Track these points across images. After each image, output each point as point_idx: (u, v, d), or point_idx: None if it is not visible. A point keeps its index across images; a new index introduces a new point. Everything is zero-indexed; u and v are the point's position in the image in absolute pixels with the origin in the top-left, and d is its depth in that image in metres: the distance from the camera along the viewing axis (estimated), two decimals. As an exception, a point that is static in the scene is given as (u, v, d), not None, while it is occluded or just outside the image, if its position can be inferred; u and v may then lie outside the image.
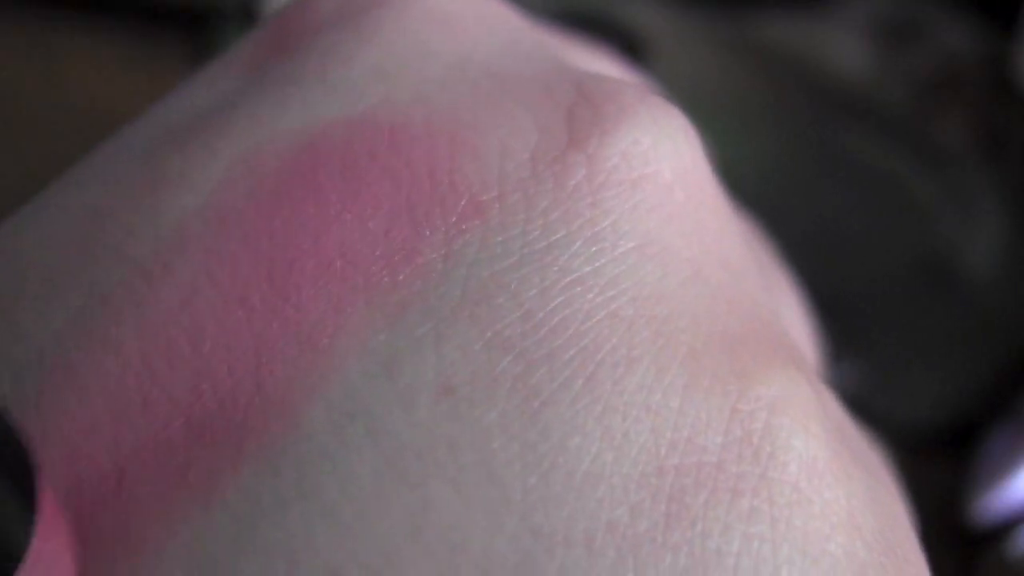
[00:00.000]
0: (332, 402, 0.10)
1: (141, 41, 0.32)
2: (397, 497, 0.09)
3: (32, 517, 0.09)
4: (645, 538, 0.09)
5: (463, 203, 0.11)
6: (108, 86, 0.31)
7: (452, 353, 0.10)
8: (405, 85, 0.12)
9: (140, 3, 0.32)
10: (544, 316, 0.10)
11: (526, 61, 0.13)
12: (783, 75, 0.30)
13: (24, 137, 0.30)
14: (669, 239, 0.11)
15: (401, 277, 0.10)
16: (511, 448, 0.09)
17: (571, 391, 0.10)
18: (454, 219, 0.11)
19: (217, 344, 0.10)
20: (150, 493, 0.10)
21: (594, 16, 0.29)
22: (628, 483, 0.09)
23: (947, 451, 0.27)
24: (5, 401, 0.10)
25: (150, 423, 0.10)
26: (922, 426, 0.27)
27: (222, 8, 0.34)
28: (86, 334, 0.10)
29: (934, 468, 0.26)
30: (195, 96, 0.13)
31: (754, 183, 0.28)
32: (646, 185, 0.11)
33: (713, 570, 0.09)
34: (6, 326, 0.11)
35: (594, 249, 0.11)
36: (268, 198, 0.11)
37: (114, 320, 0.10)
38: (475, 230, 0.11)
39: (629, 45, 0.29)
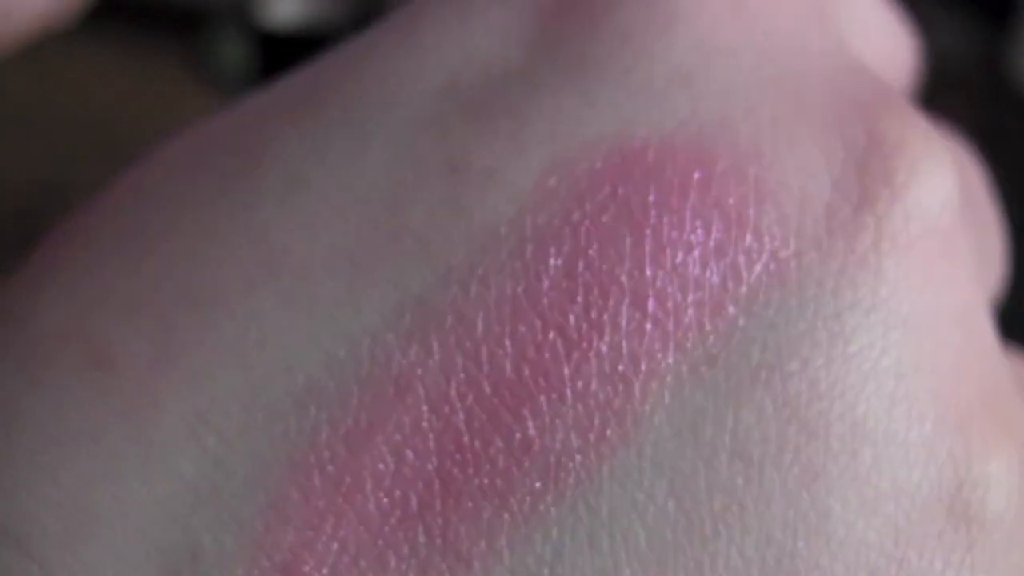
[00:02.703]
0: (643, 451, 0.10)
1: (136, 42, 0.32)
2: (691, 551, 0.10)
3: None
4: None
5: (765, 257, 0.11)
6: (103, 86, 0.31)
7: (748, 417, 0.10)
8: (710, 97, 0.12)
9: (135, 4, 0.32)
10: (827, 387, 0.11)
11: (813, 59, 0.12)
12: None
13: (19, 137, 0.30)
14: (926, 307, 0.11)
15: (708, 329, 0.11)
16: (787, 515, 0.10)
17: (839, 465, 0.10)
18: (755, 275, 0.11)
19: (536, 370, 0.10)
20: (473, 509, 0.10)
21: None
22: (870, 552, 0.10)
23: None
24: (318, 393, 0.10)
25: (473, 436, 0.10)
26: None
27: (217, 10, 0.34)
28: (406, 337, 0.10)
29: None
30: (474, 36, 0.12)
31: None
32: (917, 250, 0.11)
33: None
34: (317, 305, 0.10)
35: (872, 319, 0.11)
36: (586, 219, 0.11)
37: (435, 327, 0.10)
38: (774, 288, 0.11)
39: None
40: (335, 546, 0.10)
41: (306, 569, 0.10)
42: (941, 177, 0.12)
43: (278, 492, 0.10)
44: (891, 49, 0.15)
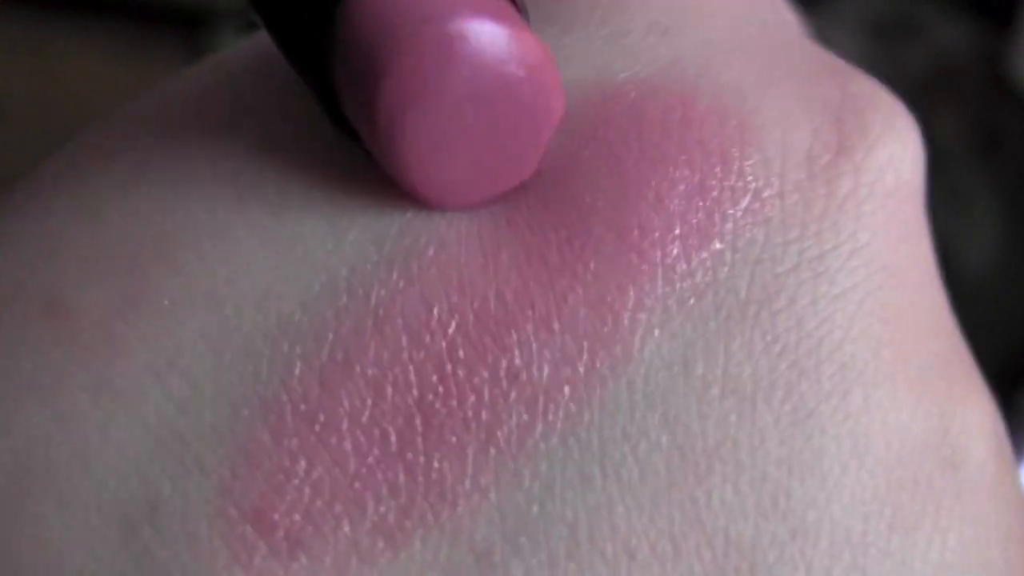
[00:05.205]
0: (634, 384, 0.10)
1: (137, 42, 0.32)
2: (685, 487, 0.10)
3: None
4: (872, 546, 0.10)
5: (749, 197, 0.11)
6: (103, 87, 0.31)
7: (738, 352, 0.10)
8: (690, 48, 0.12)
9: (136, 4, 0.32)
10: (815, 326, 0.11)
11: (784, 32, 0.13)
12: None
13: (19, 137, 0.30)
14: (903, 258, 0.11)
15: (695, 263, 0.10)
16: (780, 452, 0.10)
17: (831, 404, 0.10)
18: (741, 212, 0.11)
19: (521, 299, 0.10)
20: (457, 445, 0.10)
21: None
22: (864, 492, 0.10)
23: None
24: (292, 329, 0.10)
25: (456, 366, 0.10)
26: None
27: (218, 8, 0.34)
28: (386, 268, 0.10)
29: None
30: None
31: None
32: (893, 202, 0.11)
33: None
34: (292, 241, 0.10)
35: (855, 264, 0.11)
36: (563, 158, 0.11)
37: (416, 256, 0.10)
38: (759, 226, 0.11)
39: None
40: (307, 490, 0.09)
41: (276, 516, 0.09)
42: (911, 135, 0.12)
43: (247, 435, 0.09)
44: None
